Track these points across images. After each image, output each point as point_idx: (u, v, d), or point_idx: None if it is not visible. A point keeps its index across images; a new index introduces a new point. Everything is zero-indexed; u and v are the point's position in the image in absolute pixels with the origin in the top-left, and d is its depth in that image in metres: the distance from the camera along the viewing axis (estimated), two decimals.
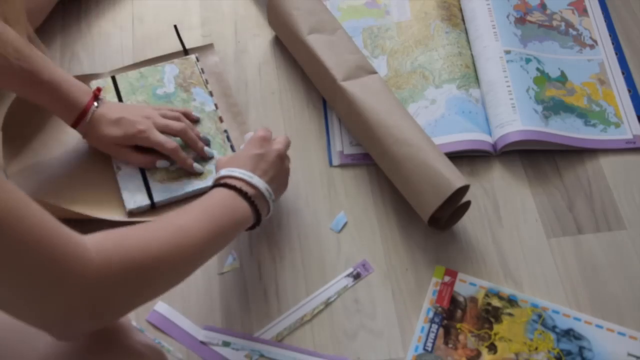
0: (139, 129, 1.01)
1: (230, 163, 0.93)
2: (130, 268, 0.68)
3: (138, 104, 1.10)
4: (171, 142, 1.03)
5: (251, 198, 0.89)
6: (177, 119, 1.06)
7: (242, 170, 0.90)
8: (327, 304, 0.98)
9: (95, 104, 1.01)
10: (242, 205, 0.88)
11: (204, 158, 1.07)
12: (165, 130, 1.04)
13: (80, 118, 1.00)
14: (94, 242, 0.67)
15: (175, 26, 1.20)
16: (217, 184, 0.90)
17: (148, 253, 0.71)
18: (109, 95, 1.11)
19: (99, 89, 1.03)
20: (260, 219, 0.91)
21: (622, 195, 1.07)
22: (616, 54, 1.21)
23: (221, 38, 1.23)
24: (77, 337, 0.71)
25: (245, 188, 0.89)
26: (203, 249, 0.79)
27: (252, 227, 0.92)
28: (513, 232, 1.04)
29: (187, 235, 0.77)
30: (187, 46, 1.20)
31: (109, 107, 1.02)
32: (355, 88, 1.07)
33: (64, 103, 0.99)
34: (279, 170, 0.95)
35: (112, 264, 0.66)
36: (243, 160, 0.93)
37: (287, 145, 1.00)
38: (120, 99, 1.11)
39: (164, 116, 1.05)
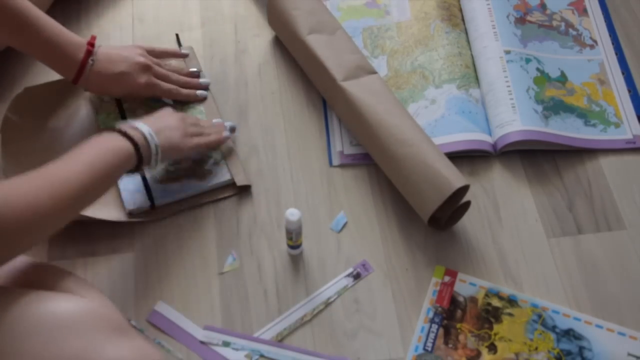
0: (140, 83, 1.06)
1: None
2: (15, 223, 0.77)
3: (129, 46, 1.10)
4: (176, 90, 1.11)
5: (133, 139, 0.92)
6: (169, 70, 1.12)
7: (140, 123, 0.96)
8: (327, 304, 0.98)
9: (91, 61, 1.02)
10: (125, 145, 0.91)
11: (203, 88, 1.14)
12: (165, 80, 1.10)
13: (78, 76, 1.03)
14: None
15: (177, 35, 1.20)
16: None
17: (30, 208, 0.78)
18: None
19: (93, 38, 1.04)
20: (142, 162, 0.94)
21: (622, 195, 1.07)
22: (616, 54, 1.21)
23: (221, 38, 1.23)
24: None
25: (129, 131, 0.93)
26: (81, 195, 0.85)
27: (135, 169, 0.95)
28: (513, 232, 1.04)
29: (67, 187, 0.83)
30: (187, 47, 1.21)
31: (105, 61, 1.04)
32: (355, 88, 1.07)
33: (60, 60, 1.01)
34: (170, 124, 1.00)
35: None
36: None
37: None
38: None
39: (157, 62, 1.10)
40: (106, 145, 0.90)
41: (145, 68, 1.07)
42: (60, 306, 0.79)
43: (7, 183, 0.79)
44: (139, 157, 0.93)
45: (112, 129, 0.93)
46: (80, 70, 1.02)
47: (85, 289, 0.86)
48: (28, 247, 0.81)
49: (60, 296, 0.82)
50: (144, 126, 0.95)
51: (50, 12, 1.24)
